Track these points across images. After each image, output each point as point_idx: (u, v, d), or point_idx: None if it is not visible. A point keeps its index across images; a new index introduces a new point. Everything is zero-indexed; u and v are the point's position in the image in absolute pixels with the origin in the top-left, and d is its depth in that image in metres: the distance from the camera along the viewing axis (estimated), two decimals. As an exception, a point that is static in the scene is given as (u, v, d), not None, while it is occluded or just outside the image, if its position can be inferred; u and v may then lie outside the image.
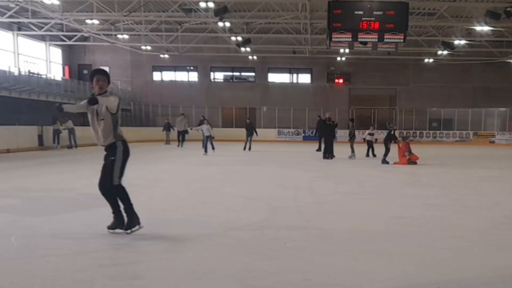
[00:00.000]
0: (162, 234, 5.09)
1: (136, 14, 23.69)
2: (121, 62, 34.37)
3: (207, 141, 18.45)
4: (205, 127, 18.75)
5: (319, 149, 20.79)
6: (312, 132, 32.13)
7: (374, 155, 17.11)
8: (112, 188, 4.86)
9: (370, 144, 17.67)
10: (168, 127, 26.55)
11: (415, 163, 14.27)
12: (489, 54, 30.22)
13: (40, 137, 20.99)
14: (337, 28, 14.13)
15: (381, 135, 21.16)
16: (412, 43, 26.69)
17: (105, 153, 4.97)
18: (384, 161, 14.71)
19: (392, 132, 15.55)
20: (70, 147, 21.85)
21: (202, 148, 20.56)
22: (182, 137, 24.14)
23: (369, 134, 17.91)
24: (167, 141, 26.43)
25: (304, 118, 33.26)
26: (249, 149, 20.62)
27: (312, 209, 6.82)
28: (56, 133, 21.28)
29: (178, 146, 23.62)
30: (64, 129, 21.64)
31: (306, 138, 32.35)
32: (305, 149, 21.92)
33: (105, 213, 6.39)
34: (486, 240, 5.05)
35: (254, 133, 21.20)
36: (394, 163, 14.42)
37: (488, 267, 4.07)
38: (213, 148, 18.66)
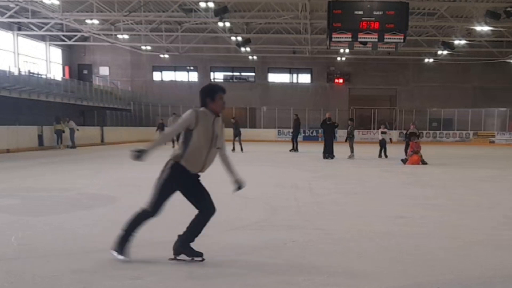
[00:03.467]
0: (162, 234, 5.09)
1: (136, 14, 23.68)
2: (121, 62, 34.37)
3: None
4: None
5: (292, 149, 20.39)
6: (312, 132, 32.14)
7: (386, 156, 16.82)
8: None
9: (382, 144, 17.15)
10: (162, 127, 26.15)
11: (426, 162, 14.32)
12: (489, 54, 30.21)
13: (40, 137, 21.02)
14: (337, 28, 14.14)
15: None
16: (412, 43, 26.68)
17: (190, 178, 4.21)
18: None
19: (407, 132, 15.63)
20: (71, 146, 21.92)
21: None
22: (176, 137, 23.50)
23: (382, 133, 17.41)
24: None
25: (304, 118, 33.18)
26: (241, 149, 19.90)
27: (312, 209, 6.82)
28: (58, 133, 21.46)
29: (173, 147, 22.85)
30: (62, 130, 21.81)
31: (306, 138, 32.32)
32: (305, 149, 21.90)
33: (105, 213, 6.42)
34: (486, 240, 5.05)
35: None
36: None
37: (487, 267, 4.07)
38: None
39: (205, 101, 4.11)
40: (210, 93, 4.11)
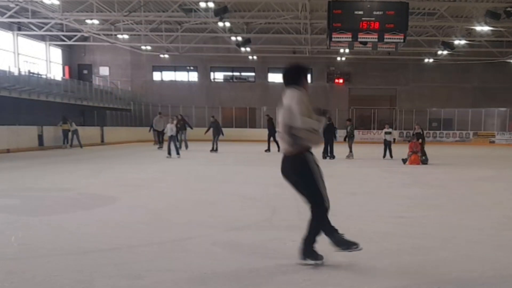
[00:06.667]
0: (162, 234, 5.10)
1: (136, 14, 23.68)
2: (121, 62, 34.37)
3: (170, 141, 16.60)
4: (168, 126, 16.87)
5: (268, 150, 19.67)
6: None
7: (391, 156, 16.56)
8: None
9: (387, 144, 16.85)
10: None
11: (426, 163, 14.30)
12: (489, 54, 30.20)
13: (40, 137, 21.04)
14: (337, 28, 14.15)
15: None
16: (412, 43, 26.67)
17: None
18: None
19: (413, 133, 15.63)
20: (79, 146, 22.07)
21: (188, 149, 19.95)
22: (162, 137, 22.02)
23: (386, 133, 17.11)
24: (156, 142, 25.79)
25: (304, 118, 33.19)
26: (216, 149, 19.28)
27: (312, 209, 6.81)
28: (65, 133, 21.73)
29: (159, 148, 21.63)
30: (68, 130, 22.01)
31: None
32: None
33: (105, 213, 6.41)
34: (486, 240, 5.05)
35: (221, 133, 19.74)
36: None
37: (487, 267, 4.07)
38: (177, 152, 16.71)
39: (301, 79, 4.06)
40: (306, 72, 4.17)
